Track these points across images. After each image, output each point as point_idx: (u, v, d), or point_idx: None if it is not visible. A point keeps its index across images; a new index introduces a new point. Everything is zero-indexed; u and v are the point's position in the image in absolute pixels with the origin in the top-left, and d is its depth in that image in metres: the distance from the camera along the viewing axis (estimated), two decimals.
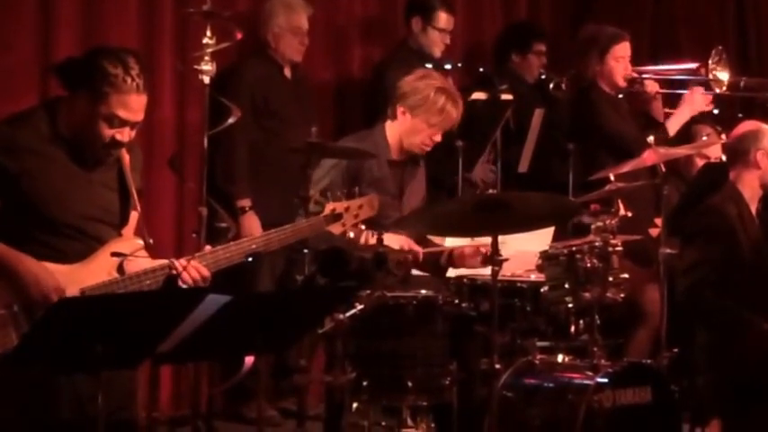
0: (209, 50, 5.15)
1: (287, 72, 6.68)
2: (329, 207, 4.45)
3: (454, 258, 5.56)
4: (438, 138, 5.61)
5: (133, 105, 4.00)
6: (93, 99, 3.98)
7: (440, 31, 7.11)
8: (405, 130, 5.58)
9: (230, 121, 5.49)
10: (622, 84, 6.75)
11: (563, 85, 6.99)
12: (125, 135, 4.04)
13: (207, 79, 5.21)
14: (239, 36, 5.58)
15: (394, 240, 5.28)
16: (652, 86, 6.78)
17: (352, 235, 4.60)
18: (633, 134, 6.48)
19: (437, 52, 7.08)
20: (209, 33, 5.16)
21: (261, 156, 6.47)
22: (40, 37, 5.94)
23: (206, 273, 4.11)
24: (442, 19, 7.12)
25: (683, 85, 6.77)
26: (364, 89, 7.13)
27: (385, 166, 5.58)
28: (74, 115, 4.06)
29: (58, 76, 4.10)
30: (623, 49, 6.74)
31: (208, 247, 4.24)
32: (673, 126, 6.66)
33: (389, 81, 6.11)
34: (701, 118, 6.78)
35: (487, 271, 4.94)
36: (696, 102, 6.70)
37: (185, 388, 6.31)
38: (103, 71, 3.97)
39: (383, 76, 6.69)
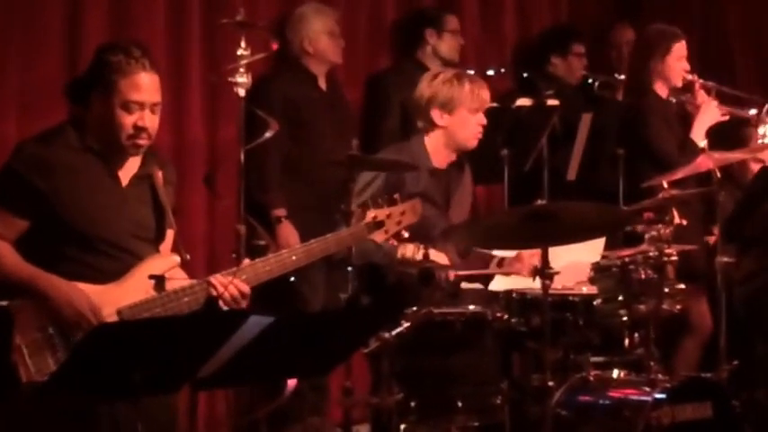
0: (244, 62, 5.01)
1: (321, 83, 6.57)
2: (370, 215, 4.33)
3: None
4: (484, 120, 5.48)
5: (143, 84, 3.99)
6: (106, 92, 3.99)
7: (453, 33, 7.14)
8: (451, 130, 5.44)
9: (267, 135, 5.35)
10: (678, 84, 6.53)
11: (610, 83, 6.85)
12: (146, 119, 4.01)
13: (242, 92, 5.08)
14: (275, 47, 5.48)
15: (441, 256, 5.15)
16: (702, 97, 6.54)
17: (395, 242, 4.50)
18: (672, 149, 6.28)
19: (456, 56, 7.09)
20: (243, 44, 5.02)
21: (294, 169, 6.35)
22: (66, 54, 5.89)
23: (245, 289, 4.05)
24: (451, 21, 7.18)
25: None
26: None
27: (427, 176, 5.45)
28: (95, 119, 4.03)
29: (70, 97, 4.12)
30: (683, 48, 6.54)
31: (246, 261, 4.16)
32: (698, 138, 6.46)
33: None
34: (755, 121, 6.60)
35: (537, 284, 4.80)
36: (713, 113, 6.46)
37: (226, 412, 6.17)
38: (106, 62, 4.01)
39: (388, 91, 6.81)
